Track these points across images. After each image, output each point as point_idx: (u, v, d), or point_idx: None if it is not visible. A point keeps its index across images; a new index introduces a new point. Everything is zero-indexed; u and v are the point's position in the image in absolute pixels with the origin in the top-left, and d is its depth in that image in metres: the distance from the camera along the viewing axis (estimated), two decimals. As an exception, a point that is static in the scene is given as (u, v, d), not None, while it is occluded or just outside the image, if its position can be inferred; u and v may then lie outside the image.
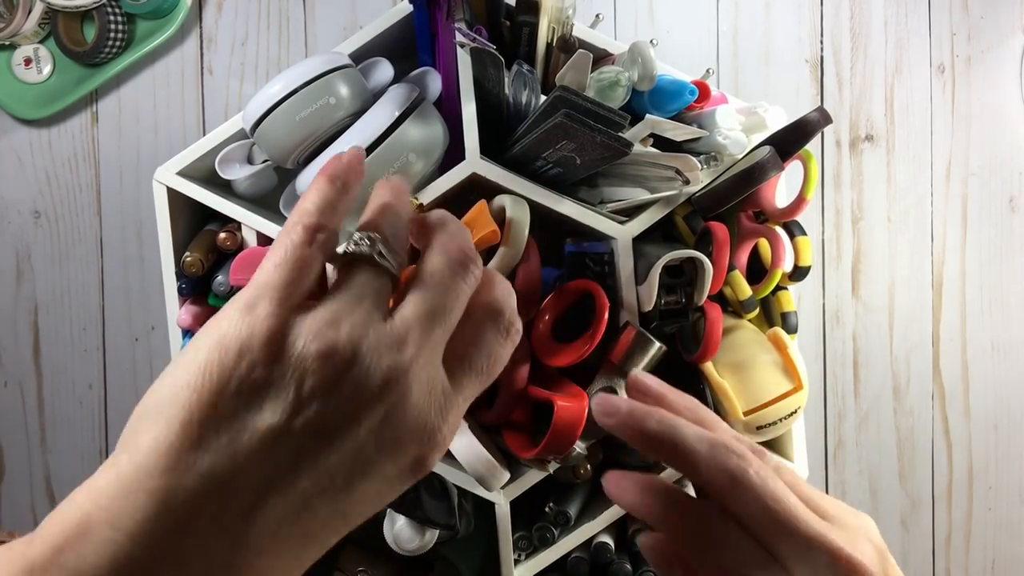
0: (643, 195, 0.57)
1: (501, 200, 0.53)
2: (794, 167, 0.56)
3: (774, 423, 0.55)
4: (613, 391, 0.54)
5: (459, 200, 0.56)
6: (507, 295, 0.27)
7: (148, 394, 0.21)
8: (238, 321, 0.21)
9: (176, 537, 0.19)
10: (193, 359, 0.21)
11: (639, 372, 0.36)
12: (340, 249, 0.24)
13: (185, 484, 0.20)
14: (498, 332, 0.26)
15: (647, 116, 0.53)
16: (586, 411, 0.50)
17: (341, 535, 0.24)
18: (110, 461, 0.21)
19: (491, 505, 0.59)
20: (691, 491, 0.33)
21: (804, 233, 0.57)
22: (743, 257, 0.59)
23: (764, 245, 0.60)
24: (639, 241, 0.57)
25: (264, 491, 0.20)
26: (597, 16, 0.61)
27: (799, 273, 0.58)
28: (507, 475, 0.54)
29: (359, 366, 0.21)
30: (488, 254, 0.53)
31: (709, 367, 0.56)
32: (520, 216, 0.51)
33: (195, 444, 0.20)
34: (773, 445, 0.63)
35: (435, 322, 0.24)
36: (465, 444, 0.52)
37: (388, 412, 0.22)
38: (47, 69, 0.69)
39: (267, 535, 0.21)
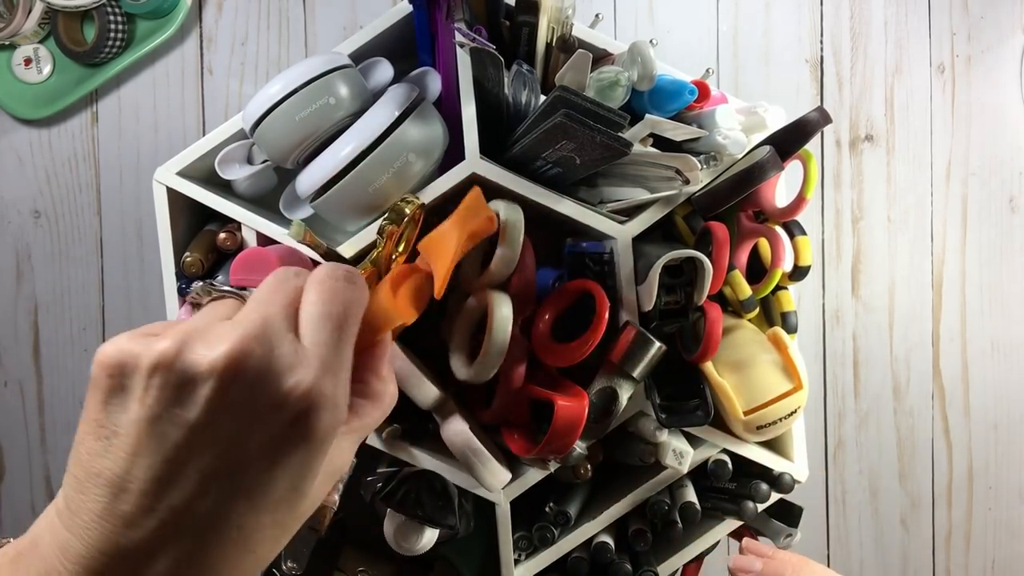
0: (643, 195, 0.57)
1: (495, 205, 0.52)
2: (794, 167, 0.56)
3: (774, 423, 0.55)
4: (614, 392, 0.54)
5: (458, 200, 0.56)
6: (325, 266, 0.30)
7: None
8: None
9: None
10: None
11: (750, 541, 0.56)
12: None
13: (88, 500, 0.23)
14: (327, 279, 0.27)
15: (647, 116, 0.53)
16: (586, 411, 0.50)
17: (258, 522, 0.25)
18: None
19: (491, 505, 0.59)
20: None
21: (804, 233, 0.57)
22: (743, 257, 0.59)
23: (764, 245, 0.60)
24: (639, 241, 0.57)
25: (155, 479, 0.23)
26: (597, 16, 0.61)
27: (799, 273, 0.58)
28: (507, 473, 0.54)
29: (189, 353, 0.24)
30: (488, 254, 0.53)
31: (709, 367, 0.56)
32: (515, 219, 0.51)
33: (94, 454, 0.24)
34: (773, 445, 0.63)
35: (265, 305, 0.26)
36: (460, 437, 0.52)
37: (235, 381, 0.24)
38: (47, 69, 0.69)
39: (170, 526, 0.23)
